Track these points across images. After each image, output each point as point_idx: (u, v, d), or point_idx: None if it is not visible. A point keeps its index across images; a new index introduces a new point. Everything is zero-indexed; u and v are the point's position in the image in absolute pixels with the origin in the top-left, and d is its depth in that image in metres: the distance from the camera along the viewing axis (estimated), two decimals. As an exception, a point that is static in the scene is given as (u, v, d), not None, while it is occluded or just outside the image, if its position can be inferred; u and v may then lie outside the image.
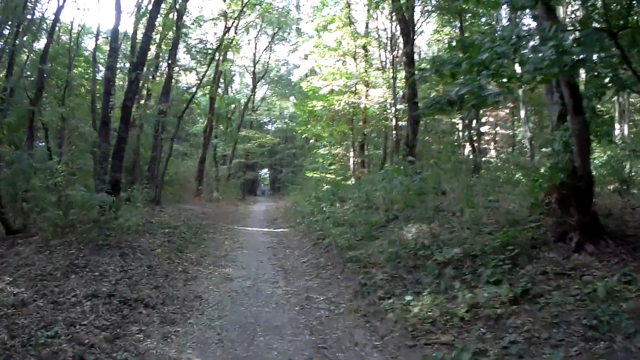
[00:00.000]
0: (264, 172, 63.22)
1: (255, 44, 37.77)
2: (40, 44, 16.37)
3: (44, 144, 17.22)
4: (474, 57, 5.42)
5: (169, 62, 19.32)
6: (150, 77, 20.52)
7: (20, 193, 9.56)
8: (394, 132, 23.22)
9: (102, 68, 18.76)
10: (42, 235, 8.69)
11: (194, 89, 19.92)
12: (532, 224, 7.40)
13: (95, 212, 9.09)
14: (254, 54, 37.59)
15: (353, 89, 23.21)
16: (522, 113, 22.05)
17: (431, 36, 28.18)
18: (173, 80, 23.34)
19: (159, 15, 21.20)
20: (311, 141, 27.34)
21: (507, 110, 27.55)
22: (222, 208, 20.76)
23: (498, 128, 29.54)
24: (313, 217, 13.57)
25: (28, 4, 15.62)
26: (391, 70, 23.81)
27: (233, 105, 37.75)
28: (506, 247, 6.71)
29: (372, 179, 17.04)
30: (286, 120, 51.60)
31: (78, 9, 20.13)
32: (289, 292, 7.29)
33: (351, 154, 23.41)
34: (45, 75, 14.67)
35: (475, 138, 24.10)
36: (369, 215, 10.99)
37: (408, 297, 6.41)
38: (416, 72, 11.09)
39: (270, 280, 7.88)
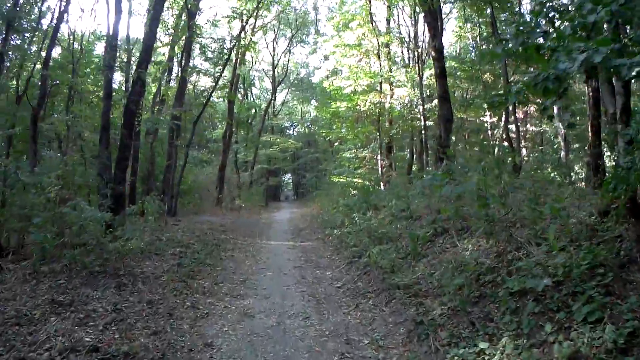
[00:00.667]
0: (287, 177, 61.96)
1: (274, 47, 36.52)
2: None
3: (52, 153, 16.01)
4: (576, 19, 3.80)
5: (182, 64, 18.01)
6: (164, 81, 19.28)
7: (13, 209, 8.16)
8: (423, 132, 21.56)
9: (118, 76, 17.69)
10: (32, 259, 7.31)
11: (209, 92, 18.45)
12: (607, 237, 5.69)
13: (94, 232, 7.69)
14: (273, 57, 36.30)
15: (378, 88, 21.60)
16: (556, 108, 20.02)
17: (453, 32, 26.39)
18: (189, 85, 22.09)
19: (171, 17, 20.13)
20: (336, 144, 25.71)
21: (535, 107, 25.54)
22: (244, 218, 19.35)
23: (528, 125, 27.29)
24: (344, 228, 11.99)
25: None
26: (416, 67, 22.17)
27: (253, 110, 36.52)
28: (594, 268, 5.03)
29: (402, 182, 15.39)
30: (308, 124, 50.18)
31: (82, 10, 18.78)
32: (324, 332, 5.70)
33: (378, 156, 21.79)
34: (48, 82, 13.43)
35: (513, 135, 22.17)
36: (411, 227, 9.34)
37: (482, 345, 4.77)
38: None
39: (299, 315, 6.29)
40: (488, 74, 22.10)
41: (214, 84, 18.46)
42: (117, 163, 9.71)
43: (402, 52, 23.92)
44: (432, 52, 16.92)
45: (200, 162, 32.89)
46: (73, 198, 8.96)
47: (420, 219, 9.87)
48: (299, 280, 8.18)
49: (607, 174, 7.65)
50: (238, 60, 26.29)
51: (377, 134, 21.66)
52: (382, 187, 21.03)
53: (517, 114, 28.15)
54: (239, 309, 6.49)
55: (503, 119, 22.49)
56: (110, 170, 9.90)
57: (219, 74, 18.14)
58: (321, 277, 8.38)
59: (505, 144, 22.74)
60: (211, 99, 20.76)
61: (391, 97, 21.52)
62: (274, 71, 36.50)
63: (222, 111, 30.08)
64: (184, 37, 18.30)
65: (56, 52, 17.54)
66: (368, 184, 19.44)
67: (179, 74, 18.04)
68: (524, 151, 27.40)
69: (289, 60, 38.93)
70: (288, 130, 56.67)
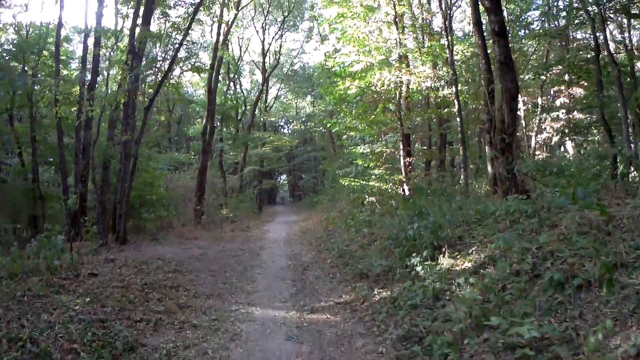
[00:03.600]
0: (283, 178, 56.35)
1: (264, 29, 30.77)
2: None
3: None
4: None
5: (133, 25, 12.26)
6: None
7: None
8: (458, 120, 16.06)
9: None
10: None
11: (168, 65, 12.64)
12: None
13: None
14: (262, 43, 30.54)
15: (397, 64, 16.03)
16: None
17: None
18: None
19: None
20: (344, 137, 19.98)
21: (582, 90, 19.97)
22: (225, 238, 13.68)
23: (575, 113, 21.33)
24: (392, 286, 6.32)
25: None
26: (444, 38, 16.65)
27: (242, 103, 30.88)
28: None
29: (445, 189, 9.85)
30: (303, 119, 44.48)
31: None
32: None
33: (400, 152, 16.16)
34: None
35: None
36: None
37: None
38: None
39: None
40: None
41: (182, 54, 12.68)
42: None
43: (425, 18, 18.25)
44: (486, 1, 11.44)
45: (180, 164, 27.15)
46: None
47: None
48: None
49: None
50: (220, 38, 20.62)
51: (399, 123, 16.07)
52: (404, 191, 15.45)
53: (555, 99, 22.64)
54: None
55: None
56: None
57: (181, 36, 12.33)
58: None
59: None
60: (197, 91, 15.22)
61: (411, 75, 15.94)
62: (263, 59, 30.77)
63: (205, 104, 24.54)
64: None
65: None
66: (403, 191, 13.89)
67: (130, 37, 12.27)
68: (569, 145, 22.03)
69: (280, 46, 33.20)
70: (282, 129, 50.99)
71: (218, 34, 20.68)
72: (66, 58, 20.66)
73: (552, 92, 23.13)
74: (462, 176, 15.95)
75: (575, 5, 14.29)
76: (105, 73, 15.90)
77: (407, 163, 16.14)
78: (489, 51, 12.19)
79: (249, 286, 7.60)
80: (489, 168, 13.39)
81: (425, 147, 20.41)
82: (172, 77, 15.69)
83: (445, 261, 5.98)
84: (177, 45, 12.19)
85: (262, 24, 30.34)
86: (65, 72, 19.35)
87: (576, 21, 14.82)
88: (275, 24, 31.84)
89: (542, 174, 12.16)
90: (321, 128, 38.47)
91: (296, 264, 9.36)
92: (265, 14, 29.86)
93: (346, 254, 9.03)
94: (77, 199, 14.02)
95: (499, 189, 11.11)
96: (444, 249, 6.24)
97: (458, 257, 6.00)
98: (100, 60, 14.63)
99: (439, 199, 9.41)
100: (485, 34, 12.48)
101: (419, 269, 5.98)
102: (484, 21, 13.21)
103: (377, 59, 16.01)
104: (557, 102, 21.76)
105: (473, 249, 5.92)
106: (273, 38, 31.81)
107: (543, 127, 22.07)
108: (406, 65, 16.28)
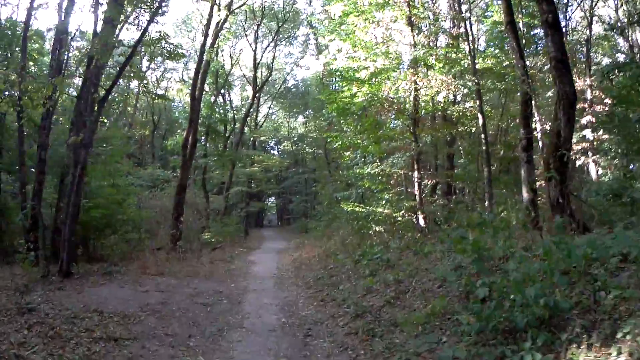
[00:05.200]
0: (271, 201, 53.32)
1: (255, 39, 28.24)
2: None
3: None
4: None
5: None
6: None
7: None
8: (482, 136, 13.49)
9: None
10: None
11: (131, 51, 9.74)
12: None
13: None
14: (254, 53, 27.96)
15: (411, 70, 13.47)
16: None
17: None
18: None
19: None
20: (347, 154, 17.16)
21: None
22: (200, 275, 10.66)
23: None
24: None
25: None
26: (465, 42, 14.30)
27: (230, 117, 28.15)
28: None
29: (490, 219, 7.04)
30: (295, 139, 41.82)
31: None
32: None
33: (415, 174, 13.40)
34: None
35: None
36: None
37: None
38: None
39: None
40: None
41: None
42: None
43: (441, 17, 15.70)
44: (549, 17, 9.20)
45: (159, 181, 24.08)
46: None
47: None
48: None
49: None
50: (207, 41, 17.98)
51: (412, 139, 13.38)
52: (420, 221, 12.66)
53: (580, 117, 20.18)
54: None
55: None
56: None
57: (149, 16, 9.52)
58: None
59: None
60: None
61: (429, 81, 13.37)
62: (255, 71, 28.10)
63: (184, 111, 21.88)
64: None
65: None
66: (417, 220, 11.10)
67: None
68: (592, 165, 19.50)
69: (273, 58, 30.63)
70: (272, 150, 48.20)
71: (205, 35, 18.04)
72: (40, 57, 17.75)
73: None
74: (486, 203, 13.29)
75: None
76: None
77: (420, 187, 13.42)
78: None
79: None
80: (524, 193, 10.85)
81: (430, 170, 17.78)
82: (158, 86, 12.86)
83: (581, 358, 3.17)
84: (145, 23, 9.34)
85: (255, 33, 27.81)
86: (34, 69, 16.52)
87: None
88: (269, 34, 29.40)
89: (610, 202, 9.53)
90: (314, 149, 35.81)
91: (293, 325, 6.37)
92: (258, 22, 27.39)
93: (367, 313, 6.10)
94: (27, 215, 11.07)
95: (550, 217, 8.50)
96: (566, 334, 3.41)
97: (594, 345, 3.20)
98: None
99: (486, 234, 6.57)
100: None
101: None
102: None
103: (387, 63, 13.41)
104: (584, 121, 18.98)
105: (616, 329, 3.12)
106: (266, 49, 29.30)
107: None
108: (422, 72, 13.72)
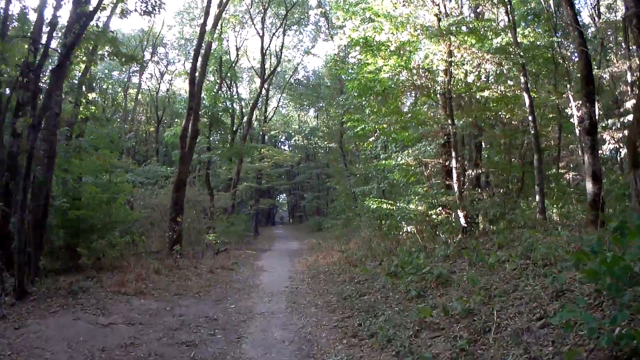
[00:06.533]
0: (282, 197, 51.27)
1: (262, 24, 25.97)
2: None
3: None
4: None
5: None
6: None
7: None
8: (531, 122, 11.17)
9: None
10: None
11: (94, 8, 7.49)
12: None
13: None
14: (262, 40, 25.68)
15: (446, 43, 11.05)
16: None
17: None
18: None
19: None
20: (367, 142, 14.76)
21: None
22: (192, 292, 8.44)
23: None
24: None
25: None
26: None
27: (239, 111, 25.95)
28: None
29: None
30: (306, 133, 39.51)
31: None
32: None
33: (453, 163, 11.04)
34: None
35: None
36: None
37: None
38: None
39: None
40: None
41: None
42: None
43: None
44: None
45: (160, 178, 21.89)
46: None
47: None
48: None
49: None
50: (207, 19, 15.75)
51: (447, 121, 11.03)
52: (460, 219, 10.30)
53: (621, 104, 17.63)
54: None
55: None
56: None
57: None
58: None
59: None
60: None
61: (465, 52, 10.97)
62: (262, 59, 25.84)
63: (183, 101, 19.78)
64: None
65: None
66: (457, 218, 8.78)
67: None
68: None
69: (282, 45, 28.32)
70: (282, 145, 45.94)
71: (206, 13, 15.81)
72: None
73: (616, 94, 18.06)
74: (537, 198, 10.93)
75: None
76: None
77: (460, 178, 11.06)
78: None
79: None
80: (589, 186, 8.64)
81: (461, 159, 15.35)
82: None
83: None
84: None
85: (262, 17, 25.55)
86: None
87: None
88: (277, 20, 27.14)
89: None
90: (326, 143, 33.44)
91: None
92: (265, 5, 25.13)
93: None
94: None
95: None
96: None
97: None
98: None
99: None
100: None
101: None
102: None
103: (417, 32, 11.01)
104: (628, 105, 16.47)
105: None
106: (274, 35, 27.01)
107: (603, 137, 16.97)
108: (456, 43, 11.31)
